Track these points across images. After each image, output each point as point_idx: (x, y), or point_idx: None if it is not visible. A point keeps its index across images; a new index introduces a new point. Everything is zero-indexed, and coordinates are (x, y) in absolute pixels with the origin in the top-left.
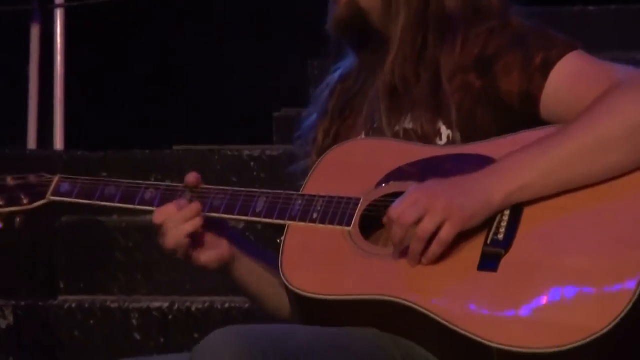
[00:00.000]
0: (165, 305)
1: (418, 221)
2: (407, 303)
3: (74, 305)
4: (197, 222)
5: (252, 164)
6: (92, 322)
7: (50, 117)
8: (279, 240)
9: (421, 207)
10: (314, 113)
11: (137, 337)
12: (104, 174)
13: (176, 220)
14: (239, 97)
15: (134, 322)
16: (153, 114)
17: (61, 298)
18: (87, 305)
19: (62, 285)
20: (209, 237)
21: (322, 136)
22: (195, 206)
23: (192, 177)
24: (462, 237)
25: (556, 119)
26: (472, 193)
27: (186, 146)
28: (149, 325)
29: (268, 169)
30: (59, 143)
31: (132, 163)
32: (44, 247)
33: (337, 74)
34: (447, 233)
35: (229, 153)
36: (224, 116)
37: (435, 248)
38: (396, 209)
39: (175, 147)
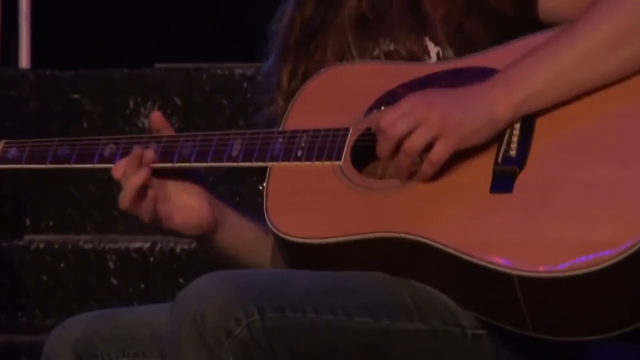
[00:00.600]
0: (146, 245)
1: (409, 133)
2: (415, 238)
3: (41, 245)
4: (143, 174)
5: (245, 84)
6: (62, 265)
7: (15, 32)
8: (261, 187)
9: (414, 117)
10: (273, 52)
11: (114, 282)
12: (76, 96)
13: (128, 174)
14: (231, 7)
15: (111, 265)
16: (131, 28)
17: (27, 238)
18: (56, 246)
19: (28, 223)
20: (184, 197)
21: (287, 78)
22: (148, 154)
23: (154, 118)
24: (469, 157)
25: (558, 18)
26: (473, 107)
27: (170, 64)
28: (127, 269)
29: None
30: (24, 61)
31: (107, 84)
32: (8, 180)
33: (291, 2)
34: (439, 150)
35: (219, 72)
36: (213, 29)
37: (425, 168)
38: (385, 118)
39: (157, 65)
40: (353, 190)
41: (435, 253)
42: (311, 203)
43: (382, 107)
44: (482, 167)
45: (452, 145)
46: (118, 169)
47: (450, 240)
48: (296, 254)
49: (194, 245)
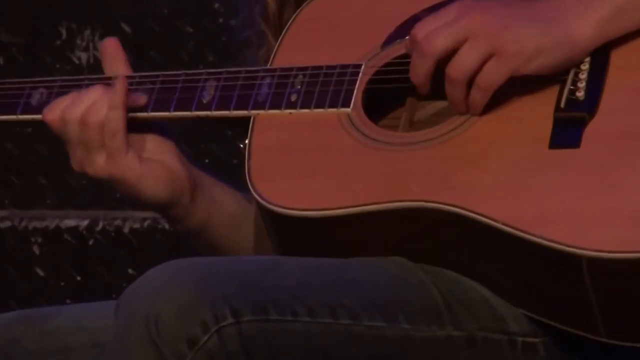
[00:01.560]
0: (83, 224)
1: (452, 49)
2: (449, 208)
3: None
4: (119, 114)
5: (215, 5)
6: None
7: None
8: (242, 145)
9: (460, 26)
10: None
11: (40, 272)
12: None
13: (95, 111)
14: None
15: (35, 249)
16: None
17: None
18: None
19: None
20: (150, 152)
21: (276, 4)
22: (121, 85)
23: (108, 47)
24: (524, 97)
25: None
26: (542, 19)
27: None
28: (57, 256)
29: None
30: None
31: (29, 6)
32: None
33: None
34: (491, 71)
35: None
36: None
37: (475, 96)
38: (421, 28)
39: None
40: (366, 146)
41: (477, 229)
42: (309, 164)
43: (406, 38)
44: (540, 113)
45: (510, 66)
46: (56, 108)
47: (498, 212)
48: (287, 233)
49: (148, 223)
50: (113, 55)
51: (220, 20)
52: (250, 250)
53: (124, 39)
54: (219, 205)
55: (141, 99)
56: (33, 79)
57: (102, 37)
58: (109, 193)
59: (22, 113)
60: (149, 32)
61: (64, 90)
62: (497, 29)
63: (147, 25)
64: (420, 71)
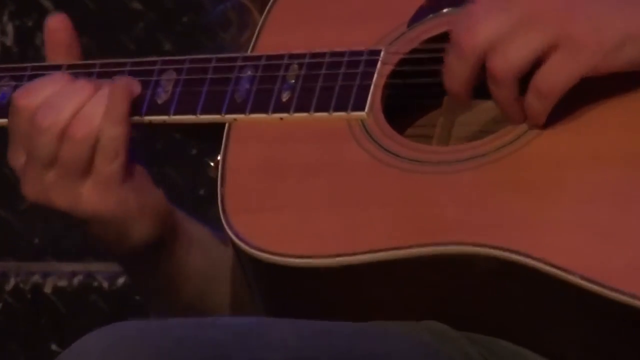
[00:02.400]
0: None
1: (504, 41)
2: (507, 255)
3: None
4: (122, 131)
5: None
6: None
7: None
8: (211, 164)
9: (511, 13)
10: None
11: None
12: None
13: (85, 120)
14: None
15: None
16: None
17: None
18: None
19: None
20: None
21: None
22: (123, 87)
23: (54, 26)
24: (603, 99)
25: None
26: (626, 0)
27: None
28: None
29: None
30: None
31: None
32: None
33: None
34: (556, 71)
35: None
36: None
37: (533, 103)
38: (461, 18)
39: None
40: (387, 164)
41: (543, 284)
42: (307, 190)
43: (447, 10)
44: (629, 123)
45: (583, 62)
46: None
47: (573, 260)
48: (276, 287)
49: (78, 280)
50: (61, 39)
51: None
52: (227, 310)
53: (44, 18)
54: (199, 247)
55: None
56: None
57: (16, 16)
58: (22, 236)
59: None
60: (83, 8)
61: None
62: (564, 11)
63: (77, 2)
64: (456, 76)
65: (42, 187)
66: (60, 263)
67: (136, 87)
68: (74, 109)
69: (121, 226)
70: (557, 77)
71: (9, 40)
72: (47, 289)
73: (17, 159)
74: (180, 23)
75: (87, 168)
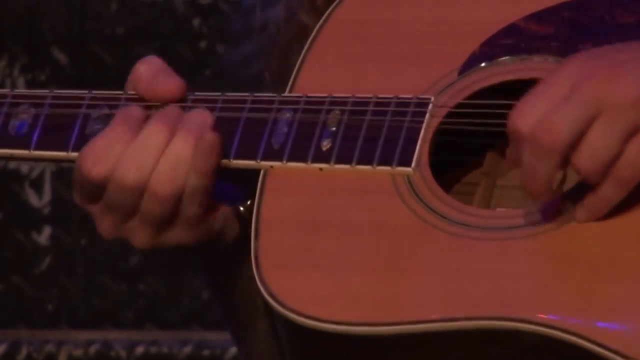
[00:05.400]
0: (1, 349)
1: (579, 134)
2: (561, 335)
3: None
4: (208, 183)
5: None
6: None
7: None
8: (241, 208)
9: (585, 101)
10: None
11: None
12: None
13: (172, 177)
14: None
15: None
16: None
17: None
18: None
19: None
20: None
21: None
22: (212, 135)
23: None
24: None
25: None
26: None
27: None
28: None
29: None
30: None
31: None
32: None
33: None
34: (634, 159)
35: None
36: None
37: (608, 191)
38: (524, 113)
39: None
40: (435, 227)
41: None
42: (347, 250)
43: (496, 58)
44: None
45: None
46: (109, 154)
47: (630, 343)
48: (309, 348)
49: (94, 349)
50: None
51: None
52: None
53: (57, 71)
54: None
55: None
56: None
57: (25, 70)
58: (36, 302)
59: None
60: (95, 64)
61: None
62: (638, 94)
63: (91, 51)
64: (541, 177)
65: (121, 231)
66: (76, 331)
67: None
68: (155, 160)
69: (215, 239)
70: (633, 168)
71: None
72: (62, 359)
73: (87, 204)
74: (202, 77)
75: (171, 218)
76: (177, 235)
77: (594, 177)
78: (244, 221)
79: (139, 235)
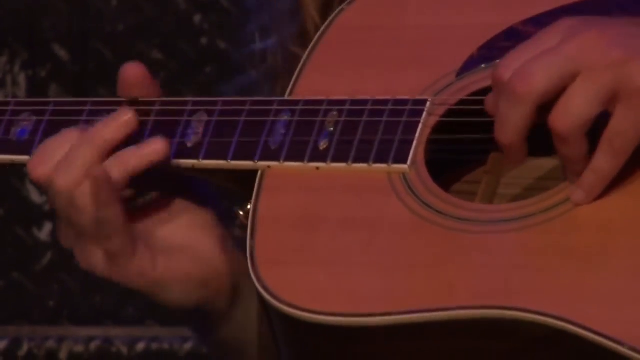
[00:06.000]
0: (2, 345)
1: (557, 90)
2: (556, 322)
3: None
4: (114, 212)
5: None
6: None
7: None
8: (241, 212)
9: (565, 56)
10: None
11: None
12: None
13: (81, 192)
14: None
15: None
16: None
17: None
18: None
19: None
20: (175, 228)
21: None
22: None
23: (132, 74)
24: None
25: None
26: None
27: None
28: None
29: None
30: None
31: None
32: None
33: None
34: (624, 127)
35: None
36: None
37: (601, 161)
38: (510, 60)
39: None
40: (429, 222)
41: (590, 354)
42: (343, 246)
43: (495, 60)
44: None
45: None
46: (46, 158)
47: (625, 331)
48: (304, 343)
49: (96, 345)
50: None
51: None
52: None
53: (58, 67)
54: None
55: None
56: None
57: (26, 67)
58: (37, 298)
59: None
60: (97, 60)
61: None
62: (623, 56)
63: (92, 47)
64: (511, 125)
65: (68, 241)
66: (77, 327)
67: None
68: (79, 173)
69: (145, 293)
70: (626, 135)
71: (21, 92)
72: (63, 355)
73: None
74: (203, 73)
75: (95, 237)
76: (100, 261)
77: (567, 137)
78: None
79: (78, 251)
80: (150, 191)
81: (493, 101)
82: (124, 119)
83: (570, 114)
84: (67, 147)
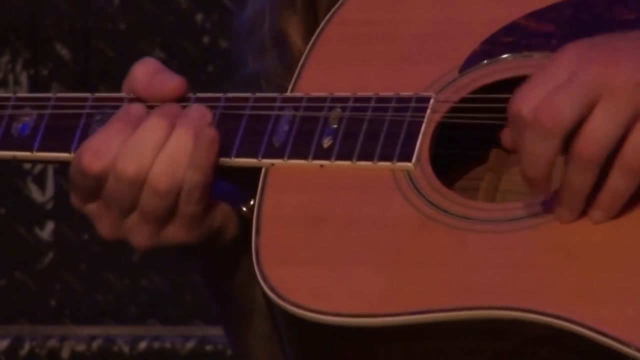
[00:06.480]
0: (2, 346)
1: (580, 118)
2: (560, 323)
3: None
4: (208, 180)
5: None
6: None
7: None
8: (244, 209)
9: (586, 86)
10: None
11: None
12: None
13: (169, 171)
14: None
15: None
16: None
17: None
18: None
19: None
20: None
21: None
22: (210, 131)
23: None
24: None
25: None
26: None
27: None
28: None
29: None
30: None
31: None
32: None
33: None
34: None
35: None
36: None
37: (618, 182)
38: (525, 97)
39: None
40: (434, 220)
41: (599, 356)
42: (348, 244)
43: (499, 55)
44: None
45: None
46: (103, 151)
47: (629, 331)
48: (310, 342)
49: (97, 344)
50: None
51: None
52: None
53: (60, 66)
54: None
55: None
56: (16, 95)
57: (28, 65)
58: (38, 297)
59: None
60: (100, 59)
61: (62, 112)
62: (636, 79)
63: (93, 46)
64: (542, 160)
65: (121, 230)
66: (78, 326)
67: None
68: (154, 153)
69: (214, 238)
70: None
71: (22, 90)
72: (65, 354)
73: (85, 205)
74: (205, 72)
75: (170, 214)
76: (176, 234)
77: (594, 164)
78: (245, 221)
79: (139, 234)
80: None
81: (511, 136)
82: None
83: (597, 140)
84: (118, 138)
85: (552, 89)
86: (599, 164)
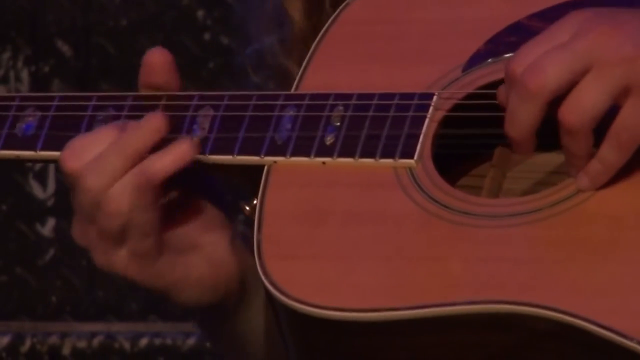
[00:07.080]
0: (3, 342)
1: (569, 85)
2: (561, 317)
3: None
4: (153, 217)
5: None
6: None
7: None
8: (247, 208)
9: (578, 51)
10: None
11: None
12: None
13: (115, 196)
14: None
15: None
16: None
17: None
18: None
19: None
20: (190, 231)
21: None
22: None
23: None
24: None
25: None
26: None
27: None
28: None
29: None
30: None
31: None
32: None
33: None
34: (636, 119)
35: None
36: None
37: (608, 154)
38: (522, 55)
39: None
40: (436, 216)
41: (601, 349)
42: (350, 240)
43: (510, 55)
44: None
45: None
46: (79, 156)
47: (633, 325)
48: (311, 338)
49: (99, 340)
50: (161, 74)
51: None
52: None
53: (61, 63)
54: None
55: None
56: (20, 94)
57: (29, 62)
58: (39, 294)
59: (5, 147)
60: (100, 56)
61: (65, 114)
62: (635, 52)
63: (95, 42)
64: (522, 120)
65: (87, 240)
66: (80, 323)
67: (166, 162)
68: (110, 176)
69: (162, 294)
70: (635, 129)
71: (24, 87)
72: (66, 351)
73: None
74: (207, 68)
75: (120, 238)
76: (124, 262)
77: (578, 132)
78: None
79: (95, 248)
80: (166, 190)
81: (505, 93)
82: (154, 126)
83: (580, 108)
84: (101, 146)
85: (546, 51)
86: (585, 132)
